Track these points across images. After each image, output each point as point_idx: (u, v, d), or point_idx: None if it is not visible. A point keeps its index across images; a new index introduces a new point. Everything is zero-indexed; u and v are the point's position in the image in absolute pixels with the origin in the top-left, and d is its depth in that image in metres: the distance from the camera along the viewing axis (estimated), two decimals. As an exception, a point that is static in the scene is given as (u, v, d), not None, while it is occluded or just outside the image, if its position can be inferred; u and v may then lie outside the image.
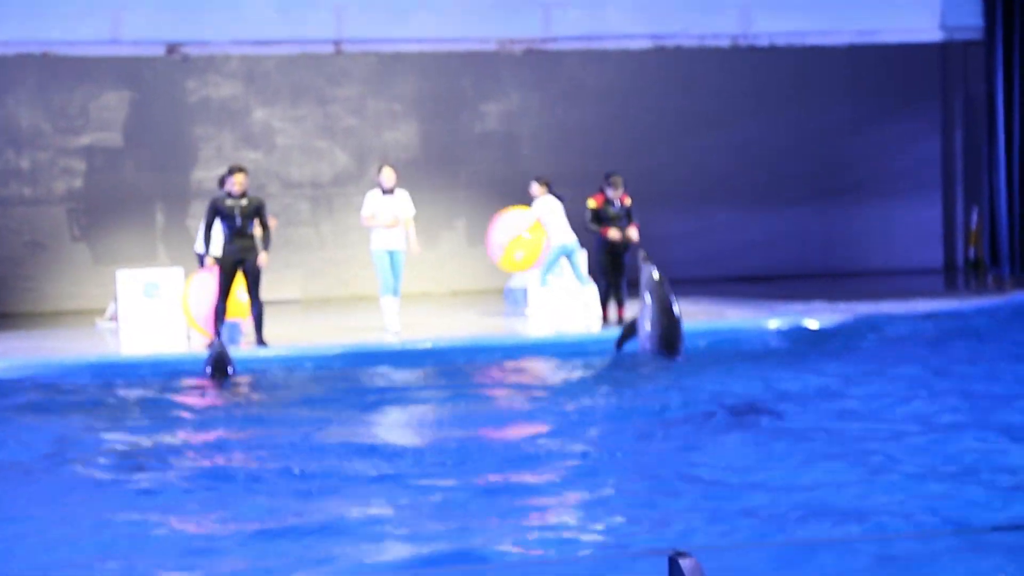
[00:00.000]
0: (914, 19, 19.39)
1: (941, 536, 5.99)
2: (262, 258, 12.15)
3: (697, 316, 13.72)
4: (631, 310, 12.85)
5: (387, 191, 13.08)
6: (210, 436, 8.88)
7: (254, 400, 10.34)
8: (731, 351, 12.02)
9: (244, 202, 12.04)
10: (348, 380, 11.01)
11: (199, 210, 17.40)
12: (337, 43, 18.06)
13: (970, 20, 19.23)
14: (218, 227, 12.15)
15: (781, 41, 19.03)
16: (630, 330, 11.92)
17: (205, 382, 10.91)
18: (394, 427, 9.10)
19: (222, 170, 17.36)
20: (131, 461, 7.89)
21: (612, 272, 13.26)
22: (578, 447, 7.93)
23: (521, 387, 10.36)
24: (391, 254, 13.08)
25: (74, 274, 17.33)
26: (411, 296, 15.65)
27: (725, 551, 5.38)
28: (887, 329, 12.92)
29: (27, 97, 17.28)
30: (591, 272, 14.42)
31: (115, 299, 14.90)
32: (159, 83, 17.63)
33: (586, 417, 8.95)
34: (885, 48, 19.35)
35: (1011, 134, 18.74)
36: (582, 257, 14.18)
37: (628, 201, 13.33)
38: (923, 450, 7.58)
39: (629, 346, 11.86)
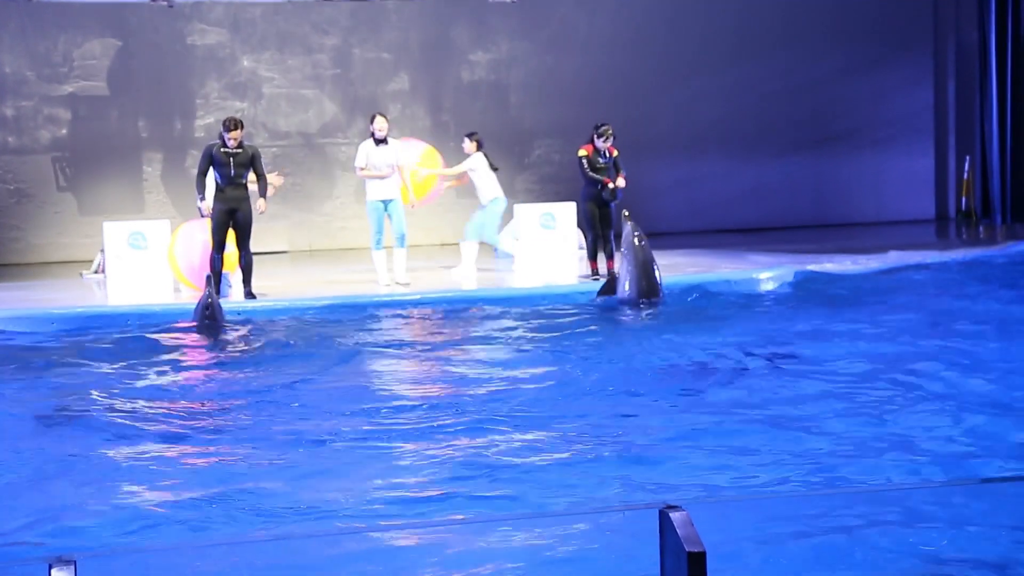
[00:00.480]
0: (906, -36, 19.25)
1: (932, 488, 5.97)
2: (260, 203, 12.06)
3: (687, 268, 13.67)
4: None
5: (380, 141, 12.90)
6: (197, 387, 8.82)
7: (242, 352, 10.28)
8: (721, 303, 11.97)
9: (239, 151, 11.94)
10: (336, 332, 10.94)
11: (186, 160, 17.28)
12: (324, -10, 17.86)
13: (963, -35, 19.11)
14: (211, 177, 12.07)
15: (772, -13, 18.88)
16: (611, 282, 12.07)
17: (194, 334, 10.84)
18: (381, 379, 9.05)
19: (209, 119, 17.28)
20: (118, 412, 7.83)
21: (600, 224, 13.18)
22: (566, 400, 7.89)
23: (511, 340, 10.30)
24: (387, 204, 12.90)
25: (60, 224, 17.20)
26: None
27: (716, 504, 5.34)
28: (877, 281, 12.89)
29: (10, 43, 17.06)
30: (579, 225, 14.34)
31: (102, 251, 14.80)
32: (144, 30, 17.41)
33: (573, 370, 8.90)
34: (877, -7, 19.20)
35: (1004, 83, 18.64)
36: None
37: (615, 152, 13.24)
38: (914, 401, 7.55)
39: (610, 297, 11.91)
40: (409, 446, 6.85)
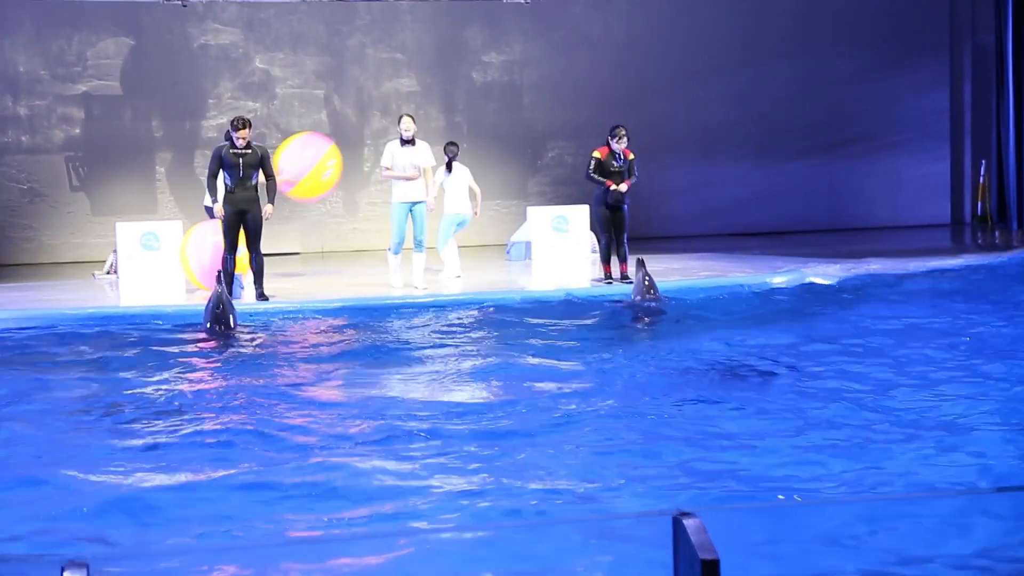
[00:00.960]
0: (922, -34, 19.19)
1: (946, 496, 5.92)
2: (267, 209, 12.01)
3: (700, 272, 13.63)
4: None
5: (406, 142, 12.75)
6: (208, 389, 8.81)
7: (254, 354, 10.26)
8: (732, 307, 11.93)
9: (248, 152, 11.91)
10: (348, 334, 10.92)
11: (199, 161, 17.30)
12: (338, -10, 17.87)
13: (979, -32, 19.04)
14: (221, 178, 12.05)
15: (787, -11, 18.84)
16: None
17: (205, 335, 10.83)
18: (393, 382, 9.02)
19: (221, 119, 17.29)
20: (128, 414, 7.82)
21: (613, 227, 13.10)
22: (579, 404, 7.86)
23: (524, 344, 10.27)
24: (411, 207, 12.78)
25: (73, 225, 17.24)
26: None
27: (730, 511, 5.31)
28: (895, 286, 12.84)
29: (24, 43, 17.10)
30: (592, 228, 14.31)
31: (114, 251, 14.81)
32: (158, 30, 17.43)
33: (586, 374, 8.87)
34: (892, -3, 19.15)
35: (1020, 86, 18.57)
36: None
37: (631, 155, 13.17)
38: (927, 408, 7.50)
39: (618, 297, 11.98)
40: (421, 450, 6.82)
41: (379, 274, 13.81)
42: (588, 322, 11.31)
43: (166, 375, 9.18)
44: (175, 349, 10.32)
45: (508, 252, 16.22)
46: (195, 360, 9.94)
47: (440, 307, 12.05)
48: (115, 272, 14.70)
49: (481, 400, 8.08)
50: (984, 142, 19.32)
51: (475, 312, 11.86)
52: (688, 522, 3.42)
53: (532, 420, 7.41)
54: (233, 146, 11.91)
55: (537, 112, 18.43)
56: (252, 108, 17.38)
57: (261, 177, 12.06)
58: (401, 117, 12.97)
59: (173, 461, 6.72)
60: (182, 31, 17.53)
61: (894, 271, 13.64)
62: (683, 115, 18.58)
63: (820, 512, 5.54)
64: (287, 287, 13.18)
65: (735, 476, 6.20)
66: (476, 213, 14.29)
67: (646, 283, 11.81)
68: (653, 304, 11.67)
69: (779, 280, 12.96)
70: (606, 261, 13.24)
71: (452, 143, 14.60)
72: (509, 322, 11.28)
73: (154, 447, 7.04)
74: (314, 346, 10.40)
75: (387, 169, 12.83)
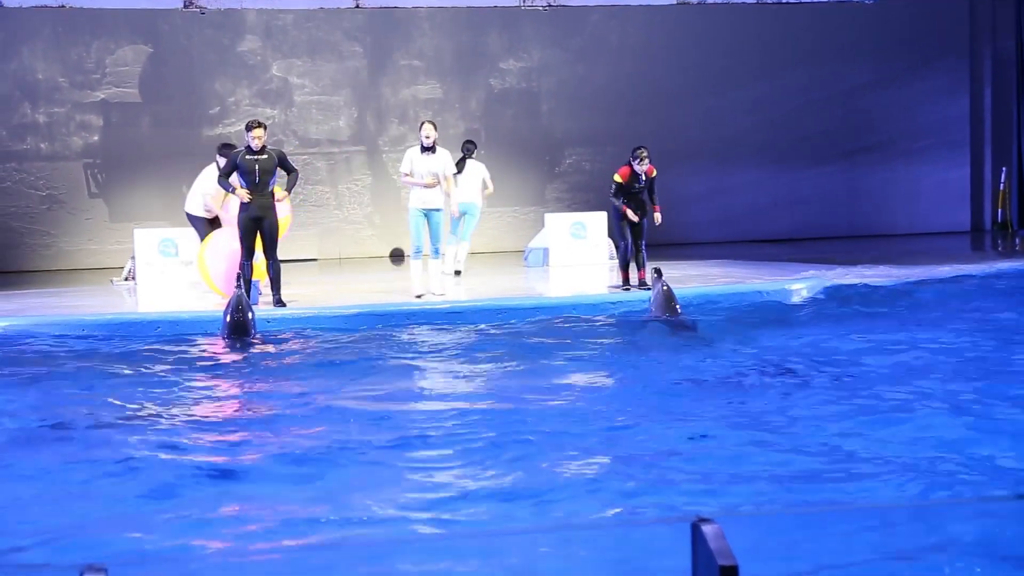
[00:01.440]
0: (941, -29, 19.12)
1: (968, 503, 5.88)
2: (282, 194, 11.99)
3: (718, 279, 13.59)
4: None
5: (427, 148, 12.67)
6: (224, 395, 8.82)
7: (271, 360, 10.26)
8: (754, 314, 11.88)
9: (264, 156, 11.91)
10: (365, 341, 10.92)
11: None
12: (356, -2, 17.90)
13: (999, -27, 18.96)
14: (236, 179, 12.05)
15: (806, -4, 18.79)
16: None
17: (223, 341, 10.84)
18: (413, 389, 9.02)
19: (239, 127, 17.32)
20: (146, 419, 7.83)
21: (632, 234, 13.02)
22: (599, 410, 7.84)
23: (541, 351, 10.24)
24: (428, 214, 12.70)
25: (91, 231, 17.29)
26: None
27: (749, 517, 5.28)
28: (915, 293, 12.78)
29: (43, 50, 17.18)
30: (610, 235, 14.27)
31: (132, 257, 14.86)
32: (176, 37, 17.49)
33: (605, 380, 8.85)
34: (911, 1, 19.06)
35: (1041, 92, 18.46)
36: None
37: (654, 173, 13.06)
38: (946, 415, 7.45)
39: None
40: (438, 456, 6.81)
41: (396, 281, 13.82)
42: (606, 329, 11.28)
43: (183, 381, 9.19)
44: (193, 355, 10.34)
45: (526, 259, 16.21)
46: (213, 366, 9.95)
47: (457, 314, 12.03)
48: (133, 278, 14.74)
49: (498, 406, 8.06)
50: (1004, 148, 19.22)
51: (492, 319, 11.84)
52: (707, 528, 3.41)
53: (549, 426, 7.39)
54: (249, 151, 11.92)
55: (555, 119, 18.42)
56: (270, 115, 17.42)
57: (279, 189, 12.07)
58: (423, 124, 12.90)
59: (190, 466, 6.72)
60: (200, 38, 17.58)
61: (917, 277, 13.57)
62: (701, 122, 18.54)
63: (839, 519, 5.51)
64: (304, 293, 13.18)
65: (755, 482, 6.17)
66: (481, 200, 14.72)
67: (666, 297, 11.58)
68: (673, 320, 11.49)
69: (799, 286, 12.90)
70: (624, 267, 13.18)
71: (469, 141, 14.79)
72: (526, 329, 11.26)
73: (171, 452, 7.04)
74: (331, 352, 10.40)
75: (406, 175, 12.80)
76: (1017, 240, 18.10)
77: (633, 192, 12.95)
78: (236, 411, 8.27)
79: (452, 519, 5.74)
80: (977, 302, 12.31)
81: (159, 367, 9.75)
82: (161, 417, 7.91)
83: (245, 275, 11.90)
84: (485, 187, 14.71)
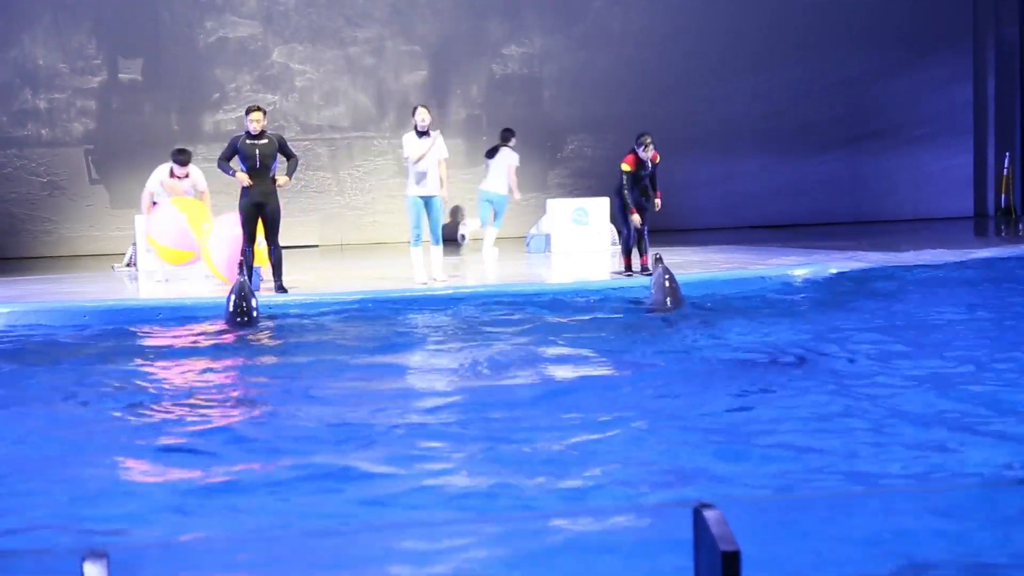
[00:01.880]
0: (944, -41, 19.05)
1: (971, 488, 5.87)
2: (282, 179, 11.97)
3: (722, 265, 13.57)
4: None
5: (423, 133, 12.58)
6: (227, 381, 8.82)
7: (273, 346, 10.26)
8: (756, 300, 11.87)
9: (264, 142, 11.89)
10: (367, 327, 10.91)
11: (217, 154, 17.29)
12: (357, -17, 17.85)
13: (1002, -41, 18.89)
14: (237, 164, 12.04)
15: (810, -17, 18.73)
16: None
17: (226, 326, 10.83)
18: (412, 376, 9.01)
19: (240, 112, 17.29)
20: (147, 406, 7.83)
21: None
22: (600, 396, 7.83)
23: (544, 337, 10.23)
24: (427, 201, 12.65)
25: (92, 218, 17.28)
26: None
27: (751, 503, 5.28)
28: (918, 279, 12.77)
29: (43, 36, 17.14)
30: (613, 221, 14.25)
31: (134, 244, 14.85)
32: (176, 23, 17.46)
33: (607, 366, 8.84)
34: (915, -11, 19.01)
35: (1044, 79, 18.42)
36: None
37: (658, 159, 13.02)
38: (949, 401, 7.45)
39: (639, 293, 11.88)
40: (440, 442, 6.81)
41: (398, 267, 13.80)
42: (607, 315, 11.27)
43: (185, 367, 9.19)
44: (195, 340, 10.34)
45: (528, 245, 16.21)
46: (215, 352, 9.94)
47: (459, 300, 12.02)
48: (134, 265, 14.73)
49: (500, 393, 8.05)
50: (1008, 135, 19.18)
51: (494, 305, 11.83)
52: (708, 513, 3.39)
53: (551, 413, 7.39)
54: (249, 136, 11.90)
55: (557, 105, 18.38)
56: (271, 101, 17.40)
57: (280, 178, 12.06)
58: (416, 108, 12.81)
59: (192, 452, 6.72)
60: (201, 24, 17.54)
61: (921, 262, 13.56)
62: (704, 109, 18.49)
63: (841, 504, 5.50)
64: (306, 279, 13.17)
65: (756, 467, 6.16)
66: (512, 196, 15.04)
67: (668, 286, 11.52)
68: (674, 306, 11.44)
69: (802, 272, 12.88)
70: (627, 253, 13.15)
71: (507, 129, 15.16)
72: (528, 315, 11.25)
73: (174, 438, 7.04)
74: (332, 339, 10.39)
75: (417, 159, 12.53)
76: (1021, 225, 18.06)
77: (640, 179, 12.90)
78: (238, 397, 8.26)
79: (453, 505, 5.73)
80: (979, 287, 12.31)
81: (161, 353, 9.75)
82: (163, 403, 7.91)
83: (247, 261, 11.89)
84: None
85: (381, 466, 6.35)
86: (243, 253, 11.96)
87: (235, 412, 7.80)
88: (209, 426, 7.32)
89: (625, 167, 12.85)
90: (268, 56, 17.73)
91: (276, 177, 11.97)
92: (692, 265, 13.37)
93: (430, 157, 12.53)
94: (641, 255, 13.07)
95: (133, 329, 10.88)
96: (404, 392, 8.24)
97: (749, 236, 17.10)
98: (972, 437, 6.63)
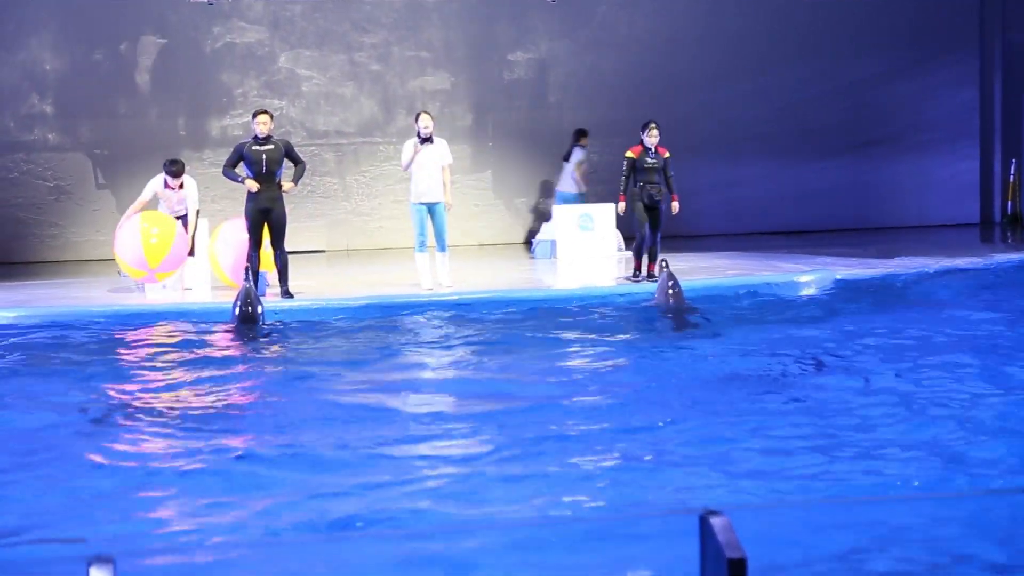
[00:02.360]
0: (950, -36, 19.02)
1: (977, 496, 5.86)
2: (287, 185, 11.98)
3: (727, 271, 13.56)
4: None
5: (424, 139, 12.61)
6: (232, 387, 8.82)
7: (278, 351, 10.27)
8: (761, 306, 11.86)
9: (270, 147, 11.91)
10: (372, 333, 10.92)
11: (224, 159, 17.30)
12: (363, -12, 17.86)
13: (1009, -35, 18.85)
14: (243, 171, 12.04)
15: (816, -12, 18.71)
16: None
17: (232, 332, 10.84)
18: (420, 380, 9.01)
19: (247, 118, 17.30)
20: (154, 411, 7.83)
21: (649, 225, 12.88)
22: (606, 403, 7.83)
23: (550, 343, 10.23)
24: (430, 207, 12.64)
25: (99, 222, 17.29)
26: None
27: (757, 509, 5.27)
28: (923, 285, 12.76)
29: (52, 40, 17.17)
30: (619, 225, 14.22)
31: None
32: (184, 28, 17.48)
33: (611, 373, 8.83)
34: (920, -6, 18.99)
35: (1051, 85, 18.37)
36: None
37: (666, 153, 12.96)
38: (962, 409, 7.43)
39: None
40: (446, 447, 6.81)
41: (404, 272, 13.80)
42: (612, 321, 11.27)
43: (191, 372, 9.19)
44: (201, 346, 10.34)
45: (533, 250, 16.20)
46: (221, 358, 9.95)
47: (465, 306, 12.02)
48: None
49: (506, 398, 8.05)
50: (1014, 140, 19.14)
51: (499, 311, 11.83)
52: (715, 520, 3.39)
53: (556, 418, 7.38)
54: (255, 141, 11.92)
55: (563, 110, 18.38)
56: (278, 106, 17.41)
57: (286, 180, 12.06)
58: (419, 115, 12.81)
59: (198, 458, 6.72)
60: (208, 29, 17.57)
61: (928, 268, 13.54)
62: (709, 114, 18.48)
63: (847, 511, 5.50)
64: (312, 285, 13.18)
65: (764, 475, 6.16)
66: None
67: (672, 291, 11.52)
68: (678, 312, 11.44)
69: (807, 278, 12.86)
70: (638, 256, 13.04)
71: (578, 130, 16.35)
72: (533, 321, 11.25)
73: (178, 443, 7.04)
74: (338, 344, 10.40)
75: (414, 165, 12.55)
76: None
77: (646, 168, 12.81)
78: (243, 402, 8.27)
79: (460, 509, 5.73)
80: (987, 294, 12.29)
81: (167, 358, 9.75)
82: (169, 408, 7.91)
83: (253, 267, 11.91)
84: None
85: (386, 472, 6.36)
86: (249, 259, 11.98)
87: (240, 418, 7.80)
88: (214, 432, 7.33)
89: (629, 154, 12.85)
90: (275, 61, 17.75)
91: (282, 183, 12.00)
92: (697, 271, 13.36)
93: (430, 164, 12.53)
94: (651, 261, 12.99)
95: (139, 334, 10.89)
96: (409, 398, 8.23)
97: (754, 242, 17.09)
98: (985, 444, 6.62)
